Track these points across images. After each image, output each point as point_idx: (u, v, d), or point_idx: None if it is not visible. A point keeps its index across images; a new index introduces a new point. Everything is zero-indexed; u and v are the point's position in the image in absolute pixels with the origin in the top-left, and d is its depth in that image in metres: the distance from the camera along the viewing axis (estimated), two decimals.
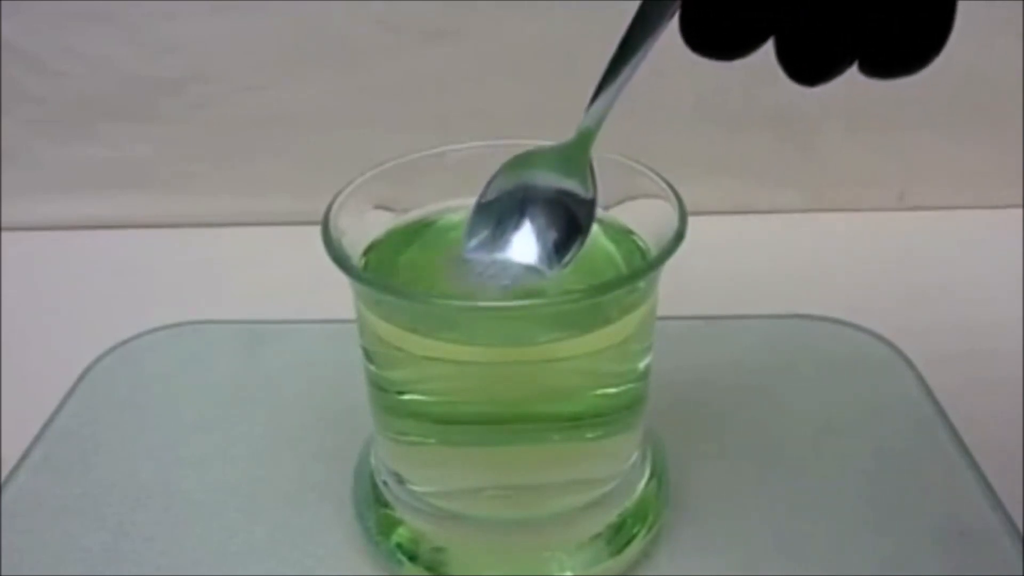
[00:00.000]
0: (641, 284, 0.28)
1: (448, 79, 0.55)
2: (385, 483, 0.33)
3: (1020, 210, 0.56)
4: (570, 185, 0.28)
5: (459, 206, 0.32)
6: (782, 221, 0.58)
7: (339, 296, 0.30)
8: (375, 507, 0.33)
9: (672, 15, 0.23)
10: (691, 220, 0.28)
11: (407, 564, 0.31)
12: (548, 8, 0.52)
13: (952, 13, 0.20)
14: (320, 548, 0.33)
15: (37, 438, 0.39)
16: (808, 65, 0.21)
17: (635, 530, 0.32)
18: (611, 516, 0.32)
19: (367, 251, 0.31)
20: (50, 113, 0.56)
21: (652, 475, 0.34)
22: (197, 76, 0.55)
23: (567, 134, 0.29)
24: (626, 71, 0.25)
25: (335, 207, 0.29)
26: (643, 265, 0.28)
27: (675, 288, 0.32)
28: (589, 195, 0.28)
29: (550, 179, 0.28)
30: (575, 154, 0.28)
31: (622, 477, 0.32)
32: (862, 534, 0.33)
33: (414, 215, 0.33)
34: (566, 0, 0.51)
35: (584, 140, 0.28)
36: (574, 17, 0.51)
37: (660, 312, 0.31)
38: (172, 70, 0.55)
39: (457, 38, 0.53)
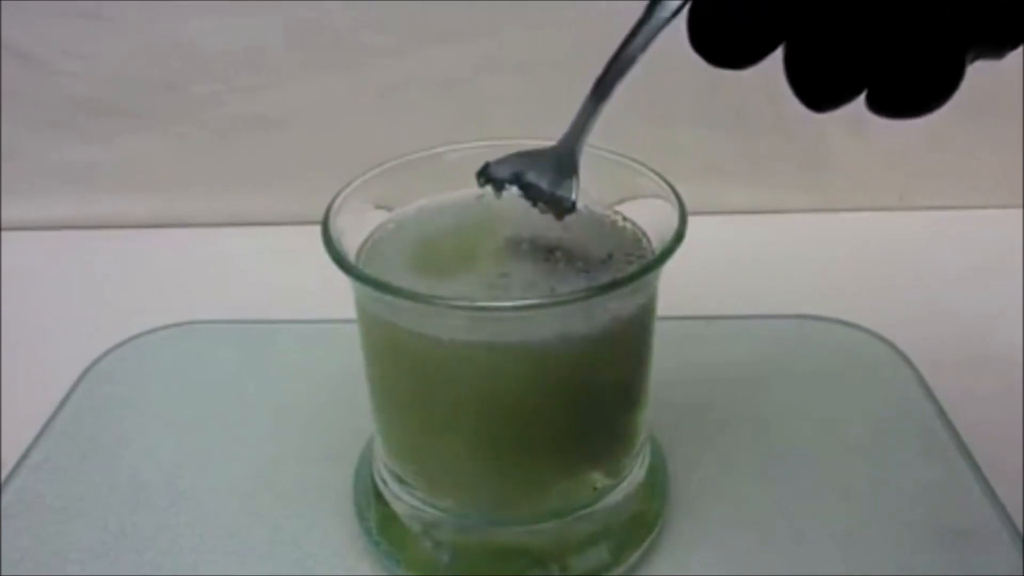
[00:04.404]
0: (641, 284, 0.28)
1: (448, 79, 0.55)
2: (385, 483, 0.33)
3: (1020, 210, 0.56)
4: (559, 190, 0.28)
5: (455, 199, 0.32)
6: (782, 221, 0.58)
7: (339, 296, 0.30)
8: (375, 506, 0.33)
9: (671, 21, 0.23)
10: (691, 220, 0.28)
11: (406, 564, 0.31)
12: (548, 8, 0.52)
13: (960, 70, 0.21)
14: (320, 548, 0.33)
15: (37, 438, 0.39)
16: (815, 86, 0.22)
17: (635, 530, 0.32)
18: (611, 516, 0.32)
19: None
20: (50, 113, 0.56)
21: (652, 475, 0.34)
22: (197, 76, 0.55)
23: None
24: (619, 76, 0.26)
25: (335, 207, 0.29)
26: (643, 265, 0.28)
27: (675, 288, 0.32)
28: (571, 199, 0.28)
29: (542, 180, 0.29)
30: (564, 161, 0.28)
31: (622, 477, 0.32)
32: (862, 534, 0.33)
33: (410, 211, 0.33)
34: (566, 0, 0.51)
35: (571, 148, 0.28)
36: (574, 18, 0.51)
37: (660, 312, 0.31)
38: (172, 70, 0.55)
39: (457, 38, 0.53)
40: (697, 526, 0.34)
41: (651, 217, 0.30)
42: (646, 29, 0.24)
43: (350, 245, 0.29)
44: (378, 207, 0.32)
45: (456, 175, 0.32)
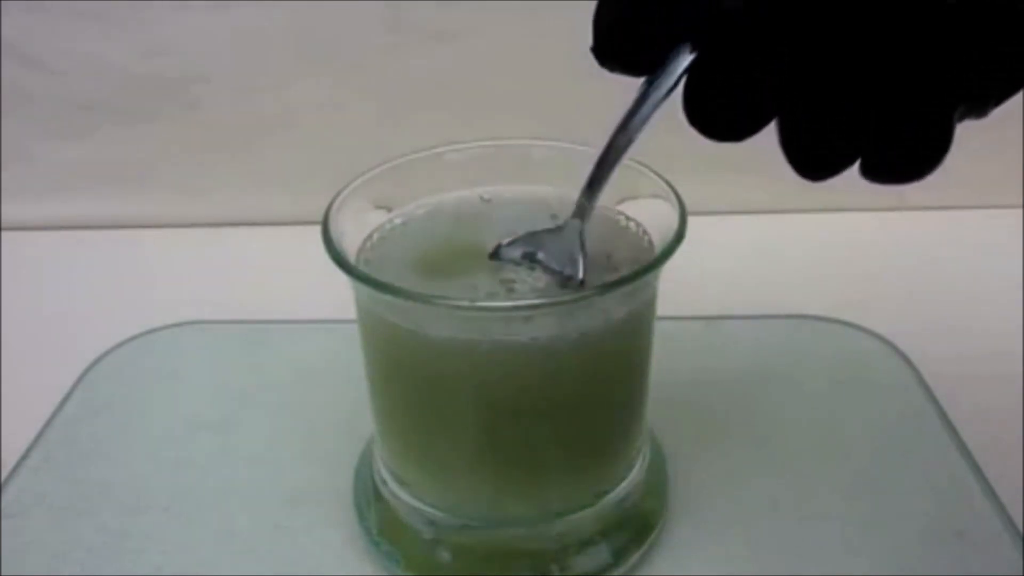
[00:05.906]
0: (641, 284, 0.28)
1: (448, 79, 0.55)
2: (385, 483, 0.33)
3: (1020, 210, 0.56)
4: (567, 269, 0.29)
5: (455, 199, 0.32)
6: (782, 221, 0.58)
7: (339, 296, 0.30)
8: (375, 507, 0.33)
9: (665, 99, 0.24)
10: (691, 220, 0.28)
11: (406, 564, 0.31)
12: (548, 8, 0.52)
13: (949, 134, 0.21)
14: (320, 548, 0.33)
15: (37, 438, 0.39)
16: (810, 158, 0.23)
17: (635, 530, 0.32)
18: (611, 516, 0.32)
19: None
20: (50, 113, 0.56)
21: (652, 475, 0.34)
22: (197, 76, 0.55)
23: (566, 134, 0.29)
24: (619, 158, 0.26)
25: (335, 207, 0.29)
26: (643, 265, 0.28)
27: (675, 288, 0.32)
28: (580, 278, 0.28)
29: (551, 260, 0.29)
30: (569, 244, 0.28)
31: (622, 477, 0.32)
32: (862, 534, 0.33)
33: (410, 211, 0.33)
34: (567, 1, 0.51)
35: (578, 228, 0.28)
36: (574, 18, 0.51)
37: (660, 312, 0.31)
38: (172, 70, 0.55)
39: (457, 39, 0.53)
40: (697, 526, 0.34)
41: (652, 217, 0.30)
42: (640, 113, 0.24)
43: (350, 245, 0.29)
44: (378, 207, 0.32)
45: (456, 175, 0.32)
